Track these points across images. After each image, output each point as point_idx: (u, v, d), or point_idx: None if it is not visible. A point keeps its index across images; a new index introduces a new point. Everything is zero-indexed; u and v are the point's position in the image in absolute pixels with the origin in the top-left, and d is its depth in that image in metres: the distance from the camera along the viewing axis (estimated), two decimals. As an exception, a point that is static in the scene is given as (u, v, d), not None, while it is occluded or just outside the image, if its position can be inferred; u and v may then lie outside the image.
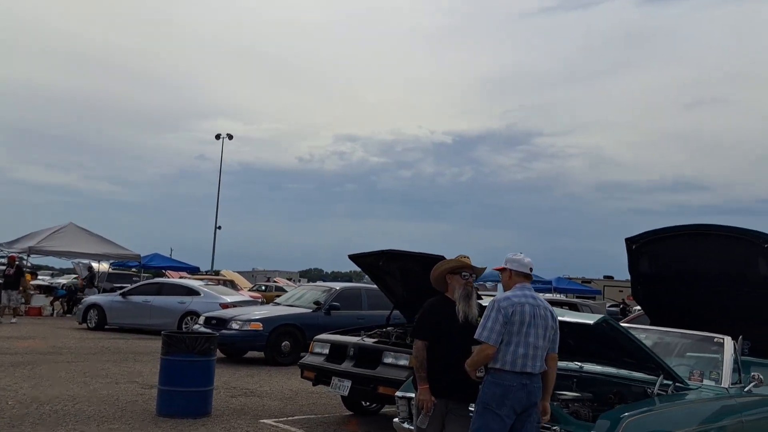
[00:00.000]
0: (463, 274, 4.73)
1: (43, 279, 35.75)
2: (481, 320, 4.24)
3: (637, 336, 4.83)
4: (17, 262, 20.50)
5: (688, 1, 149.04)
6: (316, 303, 13.70)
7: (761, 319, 6.07)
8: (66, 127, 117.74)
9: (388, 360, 6.89)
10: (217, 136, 50.40)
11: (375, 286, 17.36)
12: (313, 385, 7.96)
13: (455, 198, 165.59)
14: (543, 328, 4.20)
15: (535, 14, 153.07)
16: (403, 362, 6.76)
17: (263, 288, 36.43)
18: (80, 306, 18.93)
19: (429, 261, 7.53)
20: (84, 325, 18.26)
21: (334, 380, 7.21)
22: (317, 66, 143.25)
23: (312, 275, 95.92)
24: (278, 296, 29.09)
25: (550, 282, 34.29)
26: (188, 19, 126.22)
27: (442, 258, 7.27)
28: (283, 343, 12.97)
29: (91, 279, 26.27)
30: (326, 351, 7.67)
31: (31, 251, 23.00)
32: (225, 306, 16.66)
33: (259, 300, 21.35)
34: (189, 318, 17.03)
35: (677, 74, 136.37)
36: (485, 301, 4.68)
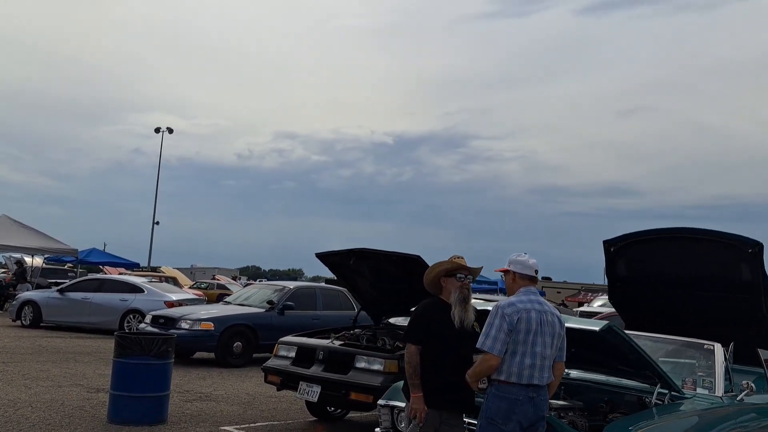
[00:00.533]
0: (458, 276, 4.46)
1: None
2: (484, 328, 3.95)
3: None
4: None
5: (620, 12, 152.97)
6: (269, 302, 13.24)
7: (741, 324, 6.00)
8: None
9: (361, 364, 6.56)
10: (157, 130, 49.08)
11: (329, 286, 17.10)
12: (278, 389, 7.57)
13: (395, 198, 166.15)
14: (550, 336, 3.94)
15: (477, 18, 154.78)
16: (376, 367, 6.45)
17: (204, 285, 35.51)
18: (14, 302, 17.88)
19: (402, 261, 7.27)
20: (18, 323, 17.26)
21: (302, 385, 6.84)
22: (258, 62, 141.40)
23: (250, 273, 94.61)
24: (222, 295, 28.49)
25: (496, 282, 34.47)
26: (127, 7, 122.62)
27: (417, 258, 7.01)
28: (235, 344, 12.47)
29: (22, 274, 25.01)
30: (292, 354, 7.28)
31: (-41, 244, 21.69)
32: (170, 304, 16.00)
33: (203, 299, 20.62)
34: (131, 316, 16.31)
35: (609, 82, 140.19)
36: (490, 305, 4.41)
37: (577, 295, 34.39)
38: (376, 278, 7.80)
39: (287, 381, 7.14)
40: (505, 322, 3.88)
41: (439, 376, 4.24)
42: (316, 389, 6.68)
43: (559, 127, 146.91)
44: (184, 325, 12.35)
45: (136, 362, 6.83)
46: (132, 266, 31.43)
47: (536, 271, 4.16)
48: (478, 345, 3.91)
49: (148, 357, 6.84)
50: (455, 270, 4.49)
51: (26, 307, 17.21)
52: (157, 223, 51.15)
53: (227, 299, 15.44)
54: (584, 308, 21.40)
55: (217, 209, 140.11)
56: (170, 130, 50.27)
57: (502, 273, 4.27)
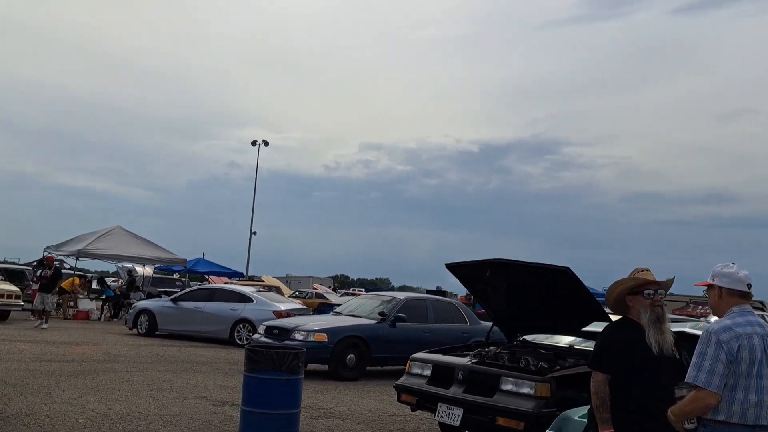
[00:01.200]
0: (646, 293, 3.89)
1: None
2: (694, 357, 3.34)
3: None
4: (56, 264, 20.03)
5: (719, 11, 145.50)
6: (381, 314, 12.92)
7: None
8: (103, 134, 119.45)
9: (507, 387, 6.04)
10: (253, 143, 50.44)
11: (439, 297, 16.64)
12: (413, 410, 7.15)
13: (481, 207, 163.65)
14: (779, 365, 3.31)
15: (564, 23, 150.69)
16: (526, 390, 5.92)
17: (303, 295, 35.79)
18: (130, 311, 18.39)
19: (547, 273, 6.72)
20: (134, 331, 17.74)
21: (441, 407, 6.39)
22: (343, 75, 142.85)
23: (339, 282, 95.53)
24: (322, 304, 28.52)
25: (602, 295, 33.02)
26: (220, 28, 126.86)
27: (565, 270, 6.44)
28: (348, 357, 12.19)
29: (132, 283, 25.82)
30: (428, 372, 6.85)
31: (79, 254, 22.67)
32: (279, 314, 16.00)
33: (308, 309, 20.58)
34: (242, 326, 16.41)
35: (708, 84, 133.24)
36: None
37: (685, 308, 32.49)
38: (513, 291, 7.27)
39: (424, 401, 6.71)
40: (722, 351, 3.26)
41: (634, 411, 3.69)
42: (458, 412, 6.21)
43: (653, 132, 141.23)
44: (298, 336, 12.18)
45: (267, 377, 6.56)
46: (235, 275, 32.04)
47: (749, 286, 3.53)
48: (689, 379, 3.29)
49: (280, 372, 6.56)
50: (641, 287, 3.92)
51: (142, 316, 17.65)
52: (255, 233, 52.44)
53: (336, 310, 15.23)
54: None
55: (306, 220, 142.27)
56: (266, 143, 51.59)
57: (704, 287, 3.67)
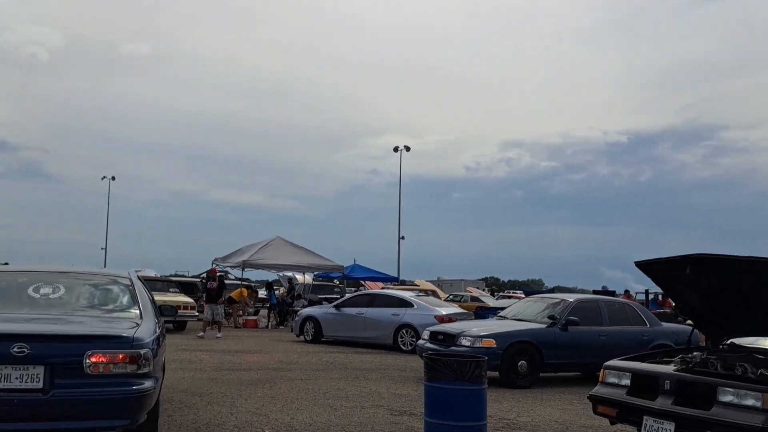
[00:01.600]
0: None
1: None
2: None
3: None
4: (220, 275, 21.01)
5: None
6: (551, 317, 12.27)
7: None
8: (253, 152, 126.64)
9: (727, 398, 5.31)
10: (395, 149, 51.02)
11: (612, 298, 15.66)
12: (612, 423, 6.56)
13: (633, 200, 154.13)
14: None
15: (706, 1, 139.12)
16: (750, 402, 5.17)
17: (459, 298, 35.45)
18: (295, 318, 18.92)
19: (759, 266, 5.91)
20: (301, 338, 18.21)
21: (648, 421, 5.76)
22: (479, 74, 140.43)
23: (489, 284, 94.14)
24: (479, 307, 28.00)
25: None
26: (349, 42, 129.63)
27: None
28: (520, 363, 11.65)
29: (290, 291, 26.66)
30: (626, 382, 6.23)
31: (244, 265, 23.75)
32: (441, 319, 15.76)
33: (470, 313, 20.19)
34: (404, 331, 16.33)
35: None
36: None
37: None
38: (717, 289, 6.47)
39: (626, 414, 6.10)
40: None
41: None
42: (669, 427, 5.55)
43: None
44: (465, 342, 11.81)
45: (449, 387, 6.25)
46: (390, 280, 32.34)
47: None
48: None
49: (462, 382, 6.23)
50: None
51: (307, 323, 18.08)
52: (403, 237, 52.98)
53: (501, 314, 14.72)
54: None
55: (449, 222, 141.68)
56: (407, 149, 52.05)
57: None
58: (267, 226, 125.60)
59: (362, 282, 34.56)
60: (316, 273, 29.43)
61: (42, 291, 6.16)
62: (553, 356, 11.84)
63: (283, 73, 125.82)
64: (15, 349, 4.94)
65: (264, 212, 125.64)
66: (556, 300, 13.29)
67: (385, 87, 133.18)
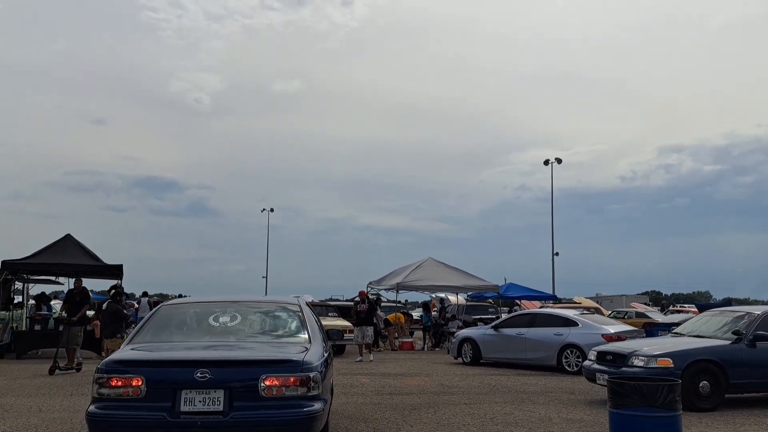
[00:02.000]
0: None
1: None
2: None
3: None
4: (371, 297, 21.10)
5: None
6: (736, 333, 11.11)
7: None
8: (398, 176, 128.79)
9: None
10: (545, 162, 49.60)
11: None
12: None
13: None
14: None
15: None
16: None
17: (623, 315, 33.55)
18: (452, 340, 18.65)
19: None
20: (459, 360, 17.90)
21: None
22: (626, 78, 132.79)
23: (651, 298, 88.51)
24: (647, 324, 26.25)
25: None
26: (485, 55, 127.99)
27: None
28: (701, 384, 10.61)
29: (442, 312, 26.37)
30: None
31: (399, 287, 23.84)
32: (608, 337, 14.87)
33: (641, 330, 18.91)
34: (569, 351, 15.55)
35: None
36: None
37: None
38: None
39: None
40: None
41: None
42: None
43: None
44: (638, 362, 10.95)
45: (639, 414, 5.72)
46: (548, 299, 31.23)
47: None
48: None
49: (654, 408, 5.67)
50: None
51: (465, 345, 17.75)
52: (557, 254, 51.24)
53: (676, 330, 13.61)
54: None
55: (604, 235, 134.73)
56: (558, 161, 50.48)
57: None
58: (415, 248, 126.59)
59: (517, 301, 33.67)
60: (468, 293, 29.02)
61: (220, 319, 6.59)
62: (740, 375, 10.72)
63: (423, 94, 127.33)
64: (198, 375, 5.26)
65: (411, 235, 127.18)
66: (741, 313, 12.06)
67: (527, 99, 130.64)
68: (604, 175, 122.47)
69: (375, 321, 20.57)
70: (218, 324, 6.53)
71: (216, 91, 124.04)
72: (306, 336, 6.40)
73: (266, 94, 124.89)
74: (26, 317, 21.04)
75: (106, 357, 6.12)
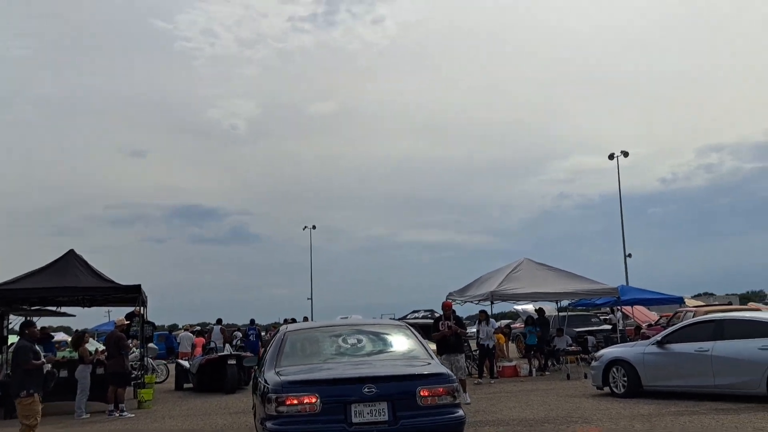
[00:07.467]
0: None
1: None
2: None
3: None
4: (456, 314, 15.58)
5: None
6: None
7: None
8: (437, 191, 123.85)
9: None
10: (611, 156, 45.11)
11: None
12: None
13: None
14: None
15: None
16: None
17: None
18: (594, 363, 13.41)
19: None
20: (605, 389, 12.78)
21: None
22: (662, 78, 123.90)
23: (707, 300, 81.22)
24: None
25: None
26: (515, 64, 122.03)
27: None
28: None
29: (542, 325, 20.99)
30: None
31: (493, 297, 18.76)
32: None
33: None
34: (787, 373, 10.27)
35: None
36: None
37: None
38: None
39: None
40: None
41: None
42: None
43: None
44: None
45: None
46: (674, 302, 25.25)
47: None
48: None
49: None
50: None
51: (614, 369, 12.59)
52: (629, 255, 46.10)
53: None
54: None
55: (647, 239, 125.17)
56: (625, 154, 45.31)
57: None
58: (459, 262, 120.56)
59: (614, 309, 27.85)
60: (571, 301, 23.73)
61: (349, 341, 7.24)
62: None
63: (456, 108, 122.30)
64: (365, 390, 5.99)
65: (454, 249, 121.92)
66: None
67: (562, 107, 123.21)
68: (644, 179, 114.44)
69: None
70: (348, 345, 7.16)
71: (251, 117, 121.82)
72: (426, 353, 7.12)
73: (301, 117, 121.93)
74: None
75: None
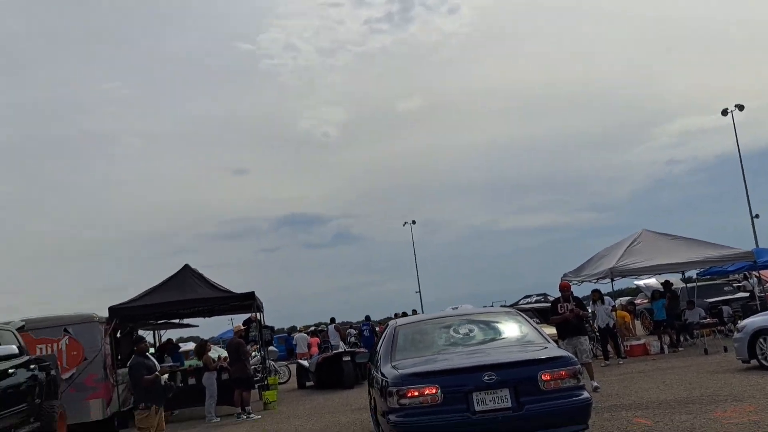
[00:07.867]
0: None
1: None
2: None
3: None
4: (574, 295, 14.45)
5: None
6: None
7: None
8: (535, 172, 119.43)
9: None
10: (724, 112, 41.66)
11: None
12: None
13: None
14: None
15: None
16: None
17: None
18: (737, 335, 12.25)
19: None
20: (752, 362, 11.69)
21: None
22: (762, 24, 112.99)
23: None
24: None
25: None
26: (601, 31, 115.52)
27: None
28: None
29: (671, 299, 19.38)
30: None
31: (613, 273, 17.74)
32: None
33: None
34: None
35: None
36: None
37: None
38: None
39: None
40: None
41: None
42: None
43: None
44: None
45: None
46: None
47: None
48: None
49: None
50: None
51: (761, 340, 11.48)
52: (757, 215, 42.70)
53: None
54: None
55: None
56: (740, 108, 41.70)
57: None
58: (567, 243, 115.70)
59: (748, 275, 25.61)
60: (699, 271, 22.11)
61: (461, 331, 7.30)
62: None
63: (546, 83, 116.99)
64: (486, 378, 5.95)
65: (561, 230, 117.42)
66: None
67: (661, 67, 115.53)
68: (765, 132, 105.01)
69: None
70: (461, 335, 7.21)
71: (341, 122, 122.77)
72: (542, 337, 7.01)
73: (390, 116, 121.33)
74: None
75: None
